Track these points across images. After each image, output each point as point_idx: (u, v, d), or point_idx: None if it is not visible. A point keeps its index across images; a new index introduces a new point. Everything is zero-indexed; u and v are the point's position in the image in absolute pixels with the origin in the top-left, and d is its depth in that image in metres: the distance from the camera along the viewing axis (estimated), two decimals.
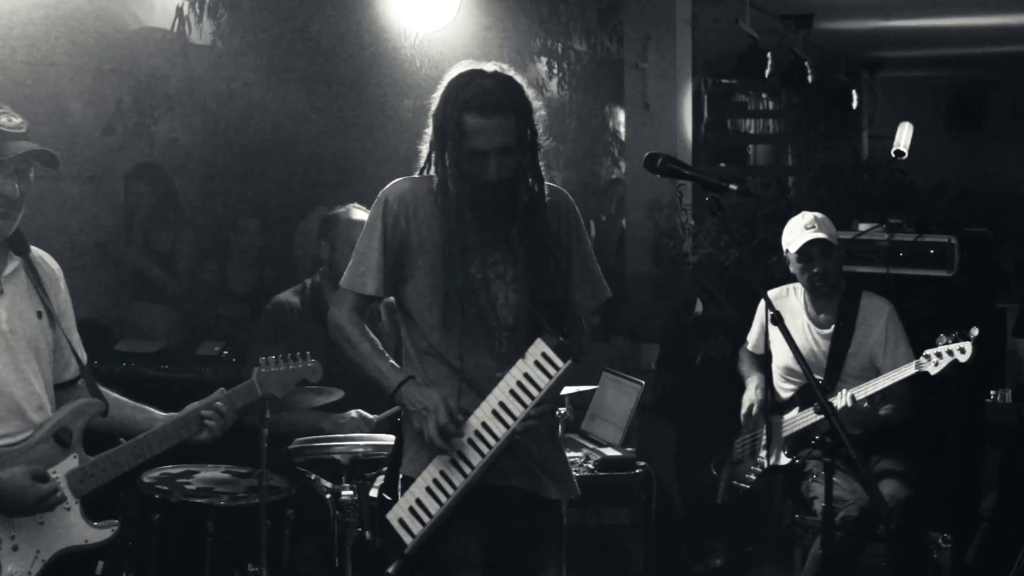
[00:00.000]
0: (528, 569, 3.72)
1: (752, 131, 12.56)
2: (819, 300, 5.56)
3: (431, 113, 3.68)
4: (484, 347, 3.64)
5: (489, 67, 3.67)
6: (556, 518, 3.78)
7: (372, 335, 3.82)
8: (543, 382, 3.53)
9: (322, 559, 4.67)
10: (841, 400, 5.15)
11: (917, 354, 5.15)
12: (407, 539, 3.52)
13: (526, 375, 3.55)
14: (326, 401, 4.78)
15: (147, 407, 3.90)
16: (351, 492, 4.57)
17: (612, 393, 5.77)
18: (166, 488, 4.52)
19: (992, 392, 7.04)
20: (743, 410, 5.66)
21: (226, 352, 6.10)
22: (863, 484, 3.41)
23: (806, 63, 10.13)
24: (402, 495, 3.63)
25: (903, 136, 10.98)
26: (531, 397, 3.53)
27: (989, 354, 6.68)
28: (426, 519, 3.52)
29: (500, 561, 3.69)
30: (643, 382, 5.61)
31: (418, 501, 3.54)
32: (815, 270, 5.49)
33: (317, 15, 7.59)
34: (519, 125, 3.58)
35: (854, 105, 11.70)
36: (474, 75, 3.64)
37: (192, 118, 7.83)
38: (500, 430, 3.53)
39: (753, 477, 5.60)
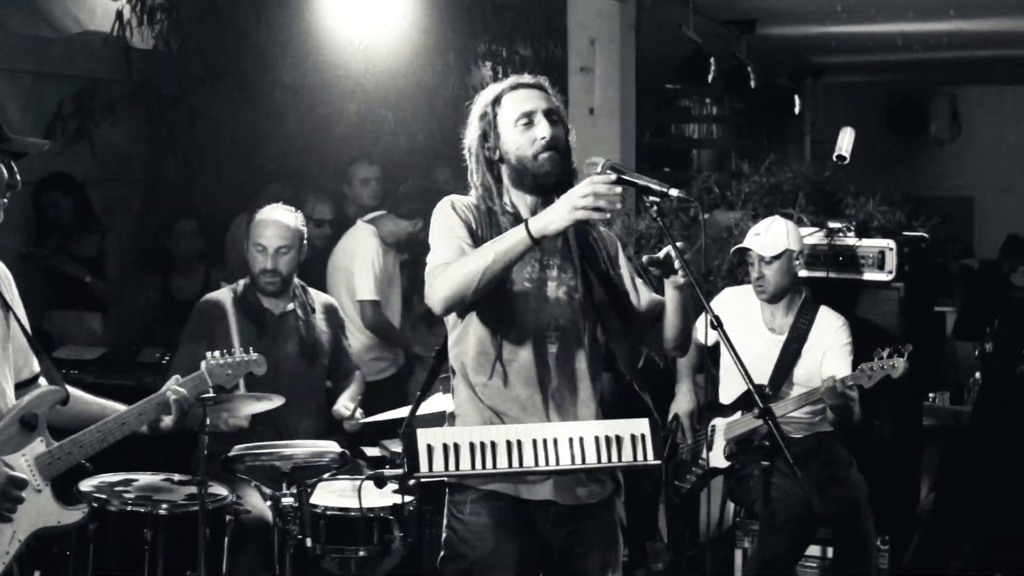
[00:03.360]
0: None
1: (696, 136, 12.61)
2: (776, 306, 5.59)
3: (468, 134, 3.72)
4: (532, 348, 3.60)
5: None
6: (600, 522, 3.70)
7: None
8: (626, 458, 3.50)
9: (262, 567, 4.64)
10: (829, 382, 5.16)
11: (860, 362, 5.21)
12: (423, 466, 3.40)
13: (618, 437, 3.50)
14: (267, 407, 4.75)
15: (108, 401, 4.00)
16: (291, 499, 4.54)
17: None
18: (104, 496, 4.47)
19: (931, 395, 7.13)
20: (669, 417, 5.67)
21: (167, 358, 6.06)
22: (802, 488, 3.44)
23: (749, 68, 10.17)
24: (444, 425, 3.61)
25: (845, 141, 11.02)
26: (606, 460, 3.48)
27: (928, 357, 6.76)
28: (452, 468, 3.41)
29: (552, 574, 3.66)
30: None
31: (456, 446, 3.42)
32: (754, 275, 5.53)
33: (259, 20, 7.57)
34: (557, 105, 3.68)
35: (797, 110, 11.76)
36: (503, 81, 3.76)
37: (133, 122, 7.79)
38: (564, 461, 3.45)
39: (694, 479, 5.61)
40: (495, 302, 3.56)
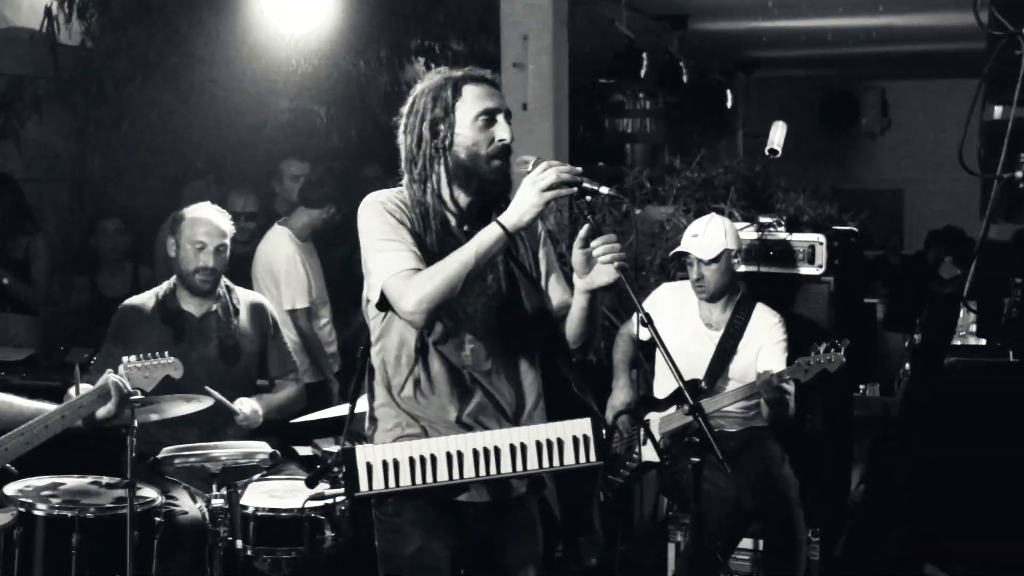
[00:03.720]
0: (504, 572, 3.65)
1: (629, 131, 12.65)
2: (714, 302, 5.59)
3: (411, 121, 3.54)
4: (454, 350, 3.55)
5: None
6: (519, 516, 3.68)
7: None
8: (568, 461, 3.45)
9: (192, 569, 4.59)
10: (765, 375, 5.18)
11: (795, 356, 5.24)
12: (363, 485, 3.35)
13: (559, 441, 3.44)
14: (195, 408, 4.70)
15: (36, 402, 4.01)
16: (222, 500, 4.50)
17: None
18: (30, 500, 4.40)
19: (861, 386, 7.19)
20: (607, 413, 5.68)
21: (96, 358, 5.98)
22: (732, 485, 3.45)
23: (681, 63, 10.23)
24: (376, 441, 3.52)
25: (777, 135, 11.07)
26: (548, 464, 3.43)
27: (859, 349, 6.81)
28: (392, 484, 3.36)
29: (473, 569, 3.62)
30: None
31: (395, 462, 3.36)
32: (692, 275, 5.53)
33: (189, 16, 7.48)
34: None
35: (729, 104, 11.84)
36: (455, 70, 3.58)
37: (61, 120, 7.68)
38: (506, 468, 3.40)
39: (628, 473, 5.62)
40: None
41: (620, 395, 5.67)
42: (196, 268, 5.15)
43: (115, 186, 7.85)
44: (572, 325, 3.62)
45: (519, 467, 3.41)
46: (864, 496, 5.47)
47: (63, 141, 7.80)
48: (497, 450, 3.40)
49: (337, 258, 6.67)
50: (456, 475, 3.38)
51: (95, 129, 7.77)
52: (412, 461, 3.37)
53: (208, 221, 5.21)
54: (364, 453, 3.37)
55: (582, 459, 3.45)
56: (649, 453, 5.54)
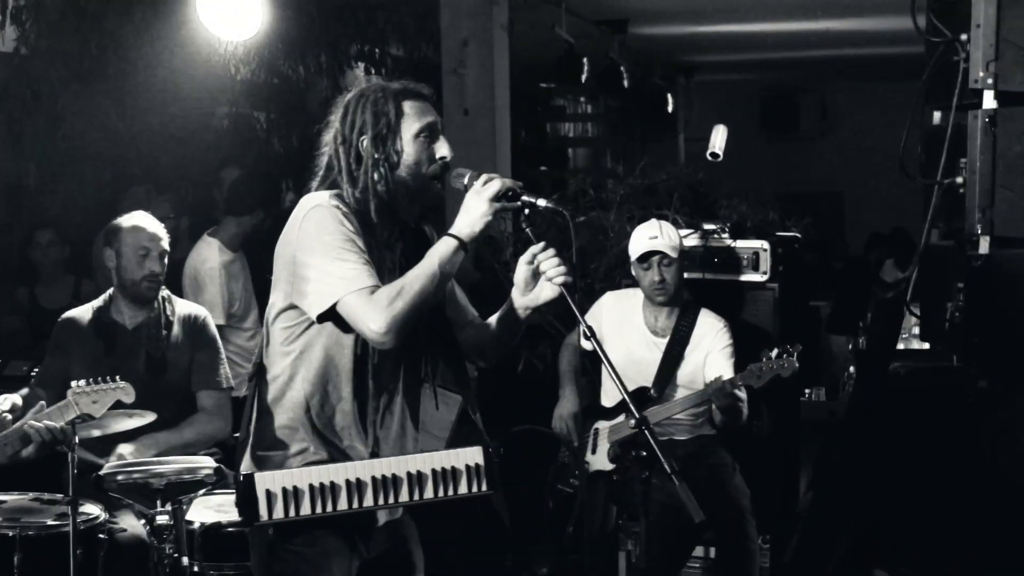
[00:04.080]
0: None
1: (571, 134, 12.68)
2: (659, 308, 5.60)
3: (347, 133, 3.48)
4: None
5: None
6: (410, 528, 3.69)
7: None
8: (462, 490, 3.47)
9: None
10: (718, 381, 5.20)
11: (743, 361, 5.26)
12: (263, 514, 3.29)
13: (453, 469, 3.46)
14: (139, 424, 4.65)
15: None
16: (166, 516, 4.44)
17: (431, 405, 5.70)
18: None
19: (807, 390, 7.24)
20: (554, 424, 5.67)
21: (36, 372, 5.90)
22: (681, 497, 3.45)
23: (622, 68, 10.27)
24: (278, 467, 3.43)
25: (718, 138, 11.17)
26: (444, 494, 3.45)
27: (804, 353, 6.86)
28: (292, 514, 3.31)
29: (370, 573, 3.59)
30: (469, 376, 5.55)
31: (295, 489, 3.32)
32: (654, 278, 5.52)
33: (126, 22, 7.41)
34: None
35: (670, 108, 11.89)
36: (390, 82, 3.54)
37: None
38: (403, 498, 3.41)
39: (576, 482, 5.62)
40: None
41: (567, 404, 5.67)
42: (143, 276, 5.09)
43: (50, 195, 7.76)
44: (495, 340, 3.62)
45: (416, 496, 3.43)
46: (812, 502, 5.51)
47: None
48: (396, 478, 3.41)
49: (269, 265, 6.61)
50: (356, 503, 3.37)
51: (29, 137, 7.67)
52: (313, 489, 3.33)
53: (148, 227, 5.17)
54: (263, 480, 3.31)
55: (474, 488, 3.48)
56: (599, 462, 5.55)
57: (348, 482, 3.36)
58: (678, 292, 5.58)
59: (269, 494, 3.30)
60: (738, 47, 12.74)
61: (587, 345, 5.67)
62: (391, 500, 3.40)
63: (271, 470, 3.38)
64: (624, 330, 5.60)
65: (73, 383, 4.21)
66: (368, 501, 3.38)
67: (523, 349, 6.74)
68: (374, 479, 3.39)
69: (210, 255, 6.42)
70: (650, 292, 5.56)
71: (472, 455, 3.49)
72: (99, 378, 4.25)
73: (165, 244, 5.18)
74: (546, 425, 5.81)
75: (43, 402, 4.12)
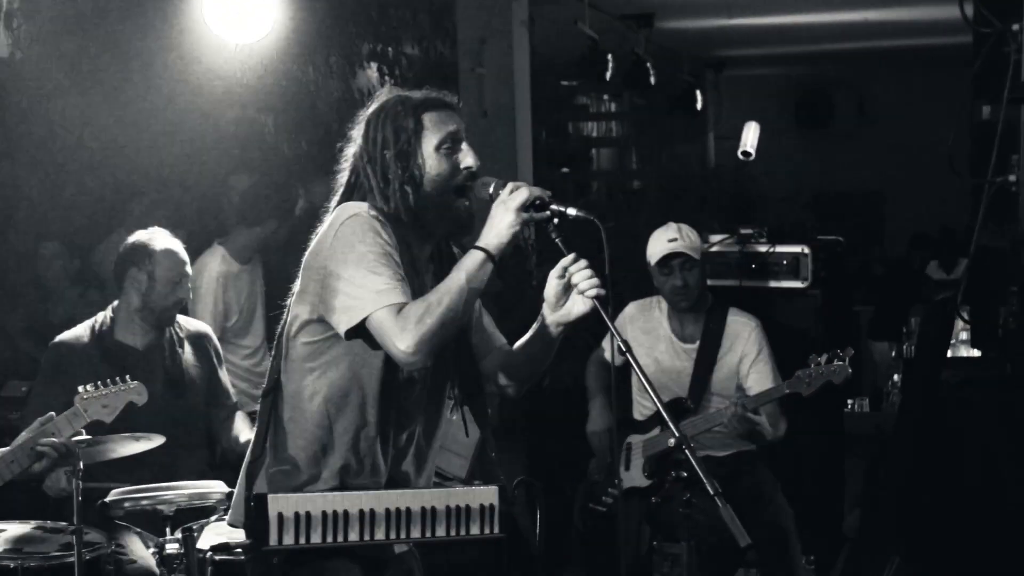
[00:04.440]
0: None
1: (595, 134, 12.64)
2: (685, 314, 5.59)
3: (371, 150, 3.46)
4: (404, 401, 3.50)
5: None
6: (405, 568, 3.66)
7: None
8: (474, 531, 3.47)
9: None
10: (732, 408, 5.17)
11: (783, 371, 5.22)
12: (272, 538, 3.28)
13: (467, 508, 3.47)
14: (145, 448, 4.62)
15: None
16: (177, 545, 4.42)
17: (457, 423, 5.68)
18: None
19: (849, 401, 7.17)
20: (590, 438, 5.65)
21: (28, 399, 5.87)
22: (723, 518, 3.42)
23: (648, 64, 10.22)
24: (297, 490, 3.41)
25: (750, 136, 11.16)
26: (455, 533, 3.45)
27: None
28: (302, 541, 3.31)
29: None
30: (488, 410, 5.53)
31: (308, 515, 3.31)
32: (676, 283, 5.51)
33: (126, 25, 7.39)
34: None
35: (699, 106, 11.84)
36: (410, 93, 3.52)
37: None
38: (415, 533, 3.41)
39: (610, 500, 5.60)
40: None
41: (599, 419, 5.64)
42: (173, 303, 5.14)
43: (51, 205, 7.75)
44: (526, 362, 3.60)
45: (427, 533, 3.43)
46: (859, 520, 5.46)
47: None
48: (409, 511, 3.41)
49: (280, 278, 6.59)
50: (367, 535, 3.37)
51: (27, 145, 7.67)
52: (325, 516, 3.33)
53: (180, 253, 5.21)
54: (276, 503, 3.30)
55: (486, 530, 3.49)
56: (633, 478, 5.52)
57: (361, 512, 3.36)
58: (702, 296, 5.56)
59: (281, 518, 3.29)
60: (769, 40, 12.69)
61: (617, 360, 5.64)
62: (402, 534, 3.40)
63: (285, 491, 3.36)
64: (651, 340, 5.58)
65: (80, 388, 4.20)
66: (380, 534, 3.38)
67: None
68: (387, 511, 3.38)
69: (211, 263, 6.39)
70: (672, 298, 5.53)
71: (487, 495, 3.50)
72: (107, 380, 4.24)
73: (189, 268, 5.25)
74: (576, 441, 5.78)
75: (52, 412, 4.10)
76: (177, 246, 5.21)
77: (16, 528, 4.57)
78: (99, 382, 4.22)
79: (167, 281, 5.11)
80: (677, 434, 3.28)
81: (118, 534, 4.64)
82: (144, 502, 4.52)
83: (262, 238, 6.49)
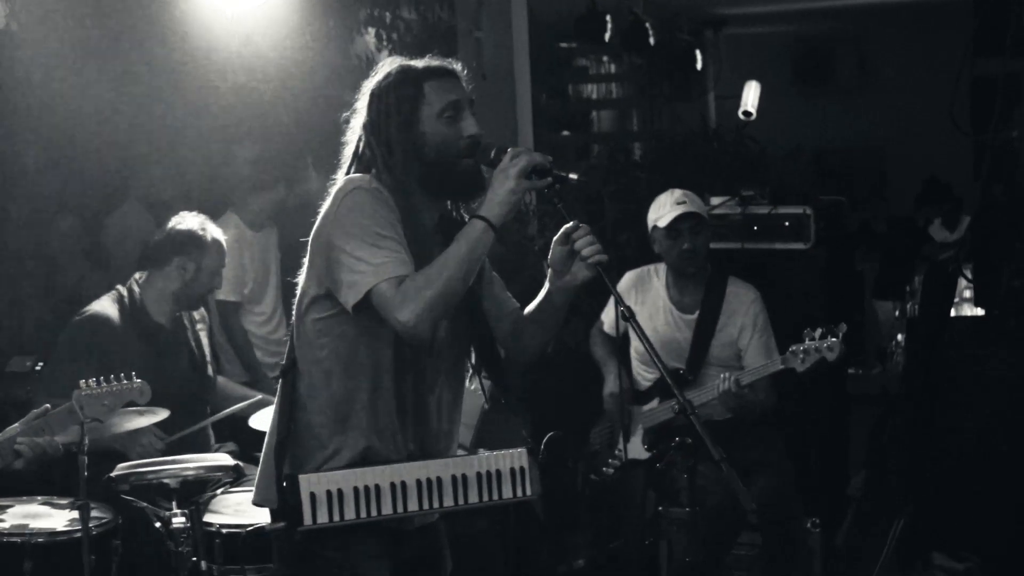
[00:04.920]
0: None
1: (594, 96, 12.58)
2: (684, 283, 5.57)
3: (376, 121, 3.47)
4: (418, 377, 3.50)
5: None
6: (439, 539, 3.71)
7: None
8: (507, 494, 3.50)
9: None
10: (724, 384, 5.17)
11: (780, 344, 5.21)
12: (307, 518, 3.29)
13: (498, 472, 3.49)
14: (150, 422, 4.64)
15: None
16: (183, 519, 4.43)
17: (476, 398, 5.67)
18: None
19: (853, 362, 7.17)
20: (606, 405, 5.65)
21: (40, 366, 5.87)
22: (727, 482, 3.43)
23: (647, 24, 10.16)
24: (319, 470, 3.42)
25: (750, 95, 11.11)
26: (488, 498, 3.48)
27: (850, 322, 6.80)
28: (336, 517, 3.32)
29: None
30: (488, 381, 5.51)
31: (340, 492, 3.33)
32: (684, 246, 5.48)
33: None
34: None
35: (699, 65, 11.78)
36: (413, 61, 3.52)
37: None
38: (448, 502, 3.44)
39: (611, 470, 5.59)
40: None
41: (615, 382, 5.61)
42: (210, 291, 5.37)
43: (52, 178, 7.73)
44: (536, 329, 3.61)
45: (460, 500, 3.46)
46: (865, 481, 5.46)
47: None
48: (440, 481, 3.43)
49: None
50: (400, 507, 3.39)
51: (25, 118, 7.65)
52: (356, 492, 3.35)
53: (223, 244, 5.36)
54: (308, 483, 3.31)
55: (518, 492, 3.52)
56: (634, 449, 5.51)
57: (392, 485, 3.38)
58: (706, 262, 5.54)
59: (314, 497, 3.31)
60: None
61: (612, 330, 5.64)
62: (435, 504, 3.42)
63: (309, 471, 3.38)
64: (649, 311, 5.55)
65: (82, 382, 4.13)
66: (412, 505, 3.40)
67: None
68: (418, 482, 3.40)
69: (228, 228, 6.41)
70: (679, 263, 5.50)
71: (516, 458, 3.52)
72: (110, 376, 4.17)
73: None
74: (580, 407, 5.79)
75: (48, 405, 4.07)
76: (222, 236, 5.34)
77: (23, 505, 4.59)
78: (100, 378, 4.15)
79: (212, 272, 5.26)
80: (681, 400, 3.28)
81: (124, 508, 4.63)
82: (150, 476, 4.52)
83: (274, 203, 6.52)
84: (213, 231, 5.30)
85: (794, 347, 5.10)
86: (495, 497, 3.49)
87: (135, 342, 5.03)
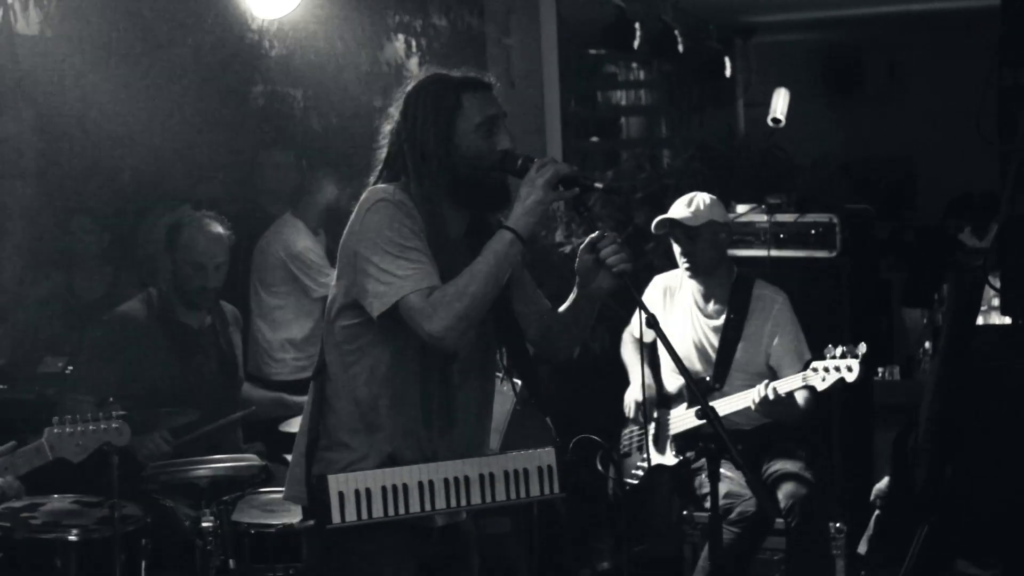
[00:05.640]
0: None
1: (623, 103, 12.60)
2: (710, 288, 5.58)
3: (411, 128, 3.50)
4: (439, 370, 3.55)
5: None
6: (466, 537, 3.74)
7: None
8: (534, 492, 3.54)
9: None
10: (763, 391, 5.18)
11: (811, 345, 5.24)
12: (335, 516, 3.36)
13: (525, 471, 3.54)
14: (180, 422, 4.70)
15: None
16: (212, 518, 4.49)
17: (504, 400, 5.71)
18: (8, 524, 4.40)
19: (880, 369, 7.17)
20: (625, 409, 5.68)
21: (71, 368, 5.95)
22: (751, 488, 3.47)
23: (676, 31, 10.19)
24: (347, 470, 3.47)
25: (779, 103, 11.09)
26: (515, 496, 3.53)
27: (876, 329, 6.82)
28: (364, 515, 3.39)
29: None
30: (519, 382, 5.54)
31: (368, 491, 3.39)
32: (679, 250, 5.52)
33: (153, 1, 7.45)
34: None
35: (728, 73, 11.80)
36: (450, 71, 3.58)
37: (22, 113, 7.64)
38: (475, 500, 3.49)
39: (640, 473, 5.63)
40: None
41: (633, 389, 5.65)
42: (198, 288, 5.19)
43: (85, 181, 7.82)
44: (566, 331, 3.66)
45: (487, 498, 3.50)
46: (889, 487, 5.48)
47: (25, 136, 7.75)
48: (467, 479, 3.48)
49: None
50: (427, 506, 3.44)
51: (58, 122, 7.74)
52: (384, 491, 3.40)
53: (211, 238, 5.23)
54: (336, 482, 3.37)
55: (546, 490, 3.57)
56: (659, 456, 5.55)
57: (420, 484, 3.43)
58: (710, 263, 5.53)
59: (342, 496, 3.36)
60: (798, 5, 12.62)
61: (647, 336, 5.66)
62: (462, 503, 3.47)
63: (338, 471, 3.43)
64: (678, 316, 5.58)
65: (55, 419, 4.07)
66: (440, 503, 3.45)
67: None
68: (445, 481, 3.45)
69: (303, 232, 6.51)
70: (682, 266, 5.55)
71: (544, 457, 3.56)
72: (86, 415, 4.10)
73: (225, 255, 5.32)
74: (606, 412, 5.82)
75: (14, 442, 4.02)
76: (219, 231, 5.26)
77: (54, 503, 4.66)
78: (76, 415, 4.07)
79: (187, 267, 5.17)
80: (703, 406, 3.32)
81: (154, 507, 4.70)
82: (179, 475, 4.59)
83: (324, 205, 6.58)
84: (193, 224, 5.25)
85: (815, 363, 5.11)
86: (522, 495, 3.53)
87: (161, 342, 5.08)
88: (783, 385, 5.18)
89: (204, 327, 5.24)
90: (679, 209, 5.52)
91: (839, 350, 5.06)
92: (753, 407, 5.19)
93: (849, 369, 5.04)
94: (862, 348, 5.04)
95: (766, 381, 5.21)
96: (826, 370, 5.07)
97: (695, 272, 5.53)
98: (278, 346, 6.49)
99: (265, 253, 6.57)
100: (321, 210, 6.63)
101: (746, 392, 5.27)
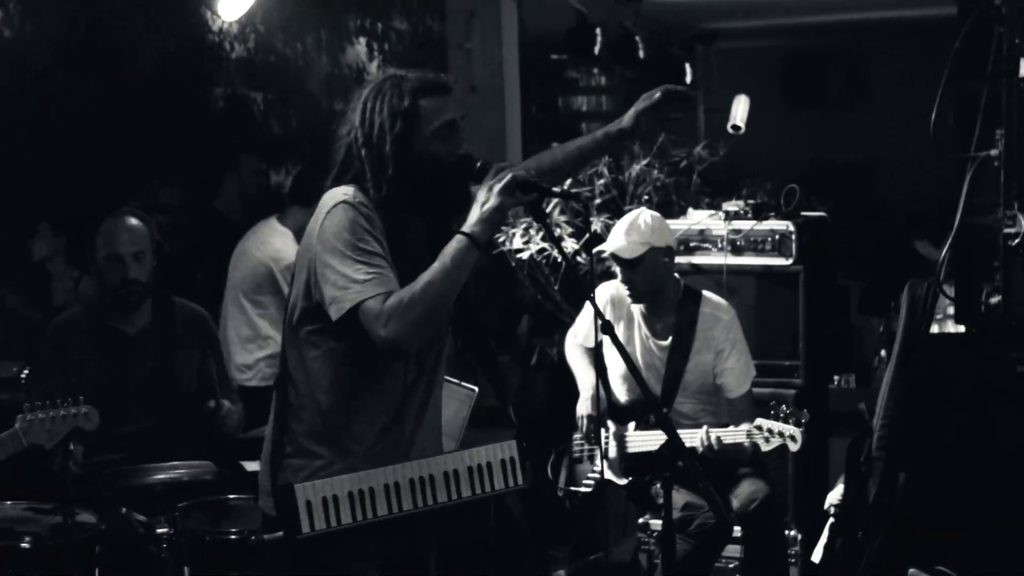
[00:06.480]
0: None
1: (584, 108, 12.63)
2: (654, 310, 5.49)
3: (368, 132, 3.49)
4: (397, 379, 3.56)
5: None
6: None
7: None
8: (499, 485, 3.57)
9: None
10: (707, 439, 5.13)
11: (771, 352, 5.23)
12: (304, 526, 3.34)
13: (488, 465, 3.56)
14: (129, 431, 4.69)
15: None
16: (167, 525, 4.47)
17: (444, 400, 5.70)
18: None
19: (836, 377, 7.20)
20: (577, 421, 5.62)
21: (27, 372, 5.91)
22: (706, 500, 3.48)
23: (637, 37, 10.23)
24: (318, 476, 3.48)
25: (739, 110, 11.09)
26: (480, 491, 3.55)
27: (832, 337, 6.85)
28: (333, 522, 3.38)
29: None
30: (476, 388, 5.53)
31: (335, 498, 3.38)
32: (620, 279, 5.46)
33: (114, 3, 7.42)
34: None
35: (688, 79, 11.85)
36: (406, 72, 3.56)
37: None
38: (442, 498, 3.50)
39: (592, 483, 5.59)
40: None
41: (590, 405, 5.57)
42: (121, 281, 5.04)
43: (43, 186, 7.77)
44: (570, 159, 3.99)
45: (453, 495, 3.51)
46: (843, 498, 5.51)
47: None
48: (432, 478, 3.49)
49: None
50: (395, 507, 3.44)
51: (15, 125, 7.69)
52: (351, 496, 3.40)
53: (125, 228, 5.09)
54: (303, 491, 3.37)
55: (510, 482, 3.60)
56: (610, 472, 5.52)
57: (386, 487, 3.43)
58: (652, 291, 5.45)
59: (309, 505, 3.36)
60: (760, 12, 12.68)
61: (590, 343, 5.61)
62: (428, 502, 3.48)
63: (302, 479, 3.43)
64: (624, 333, 5.49)
65: (26, 406, 4.10)
66: (407, 504, 3.46)
67: (537, 339, 6.77)
68: (411, 481, 3.46)
69: (290, 240, 6.43)
70: (624, 293, 5.45)
71: (505, 449, 3.60)
72: (57, 400, 4.14)
73: (143, 245, 5.10)
74: (563, 418, 5.82)
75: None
76: (134, 223, 5.12)
77: (6, 510, 4.62)
78: (47, 401, 4.13)
79: (111, 260, 5.05)
80: (655, 415, 3.34)
81: (107, 513, 4.65)
82: (133, 481, 4.57)
83: (310, 213, 6.56)
84: (118, 218, 5.12)
85: (760, 422, 5.09)
86: (487, 489, 3.56)
87: (92, 347, 5.02)
88: (728, 436, 5.15)
89: (140, 332, 5.14)
90: (616, 239, 5.39)
91: (784, 409, 5.05)
92: (700, 450, 5.14)
93: (793, 439, 5.04)
94: (805, 415, 5.05)
95: (706, 428, 5.15)
96: (771, 431, 5.03)
97: (637, 300, 5.46)
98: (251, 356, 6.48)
99: (251, 261, 6.51)
100: (303, 222, 6.59)
101: (692, 432, 5.19)
